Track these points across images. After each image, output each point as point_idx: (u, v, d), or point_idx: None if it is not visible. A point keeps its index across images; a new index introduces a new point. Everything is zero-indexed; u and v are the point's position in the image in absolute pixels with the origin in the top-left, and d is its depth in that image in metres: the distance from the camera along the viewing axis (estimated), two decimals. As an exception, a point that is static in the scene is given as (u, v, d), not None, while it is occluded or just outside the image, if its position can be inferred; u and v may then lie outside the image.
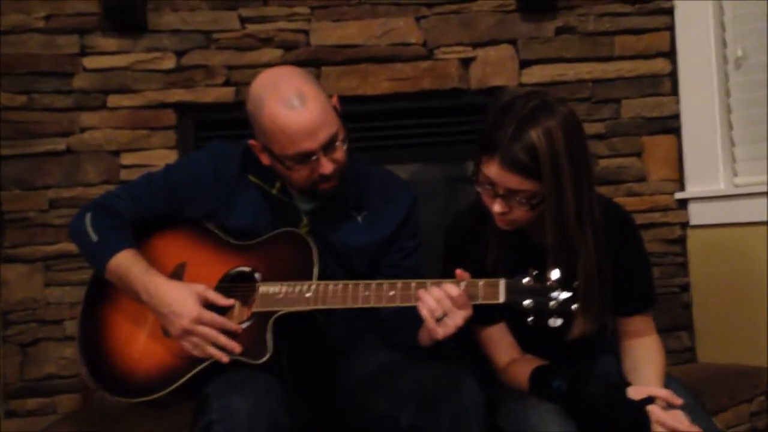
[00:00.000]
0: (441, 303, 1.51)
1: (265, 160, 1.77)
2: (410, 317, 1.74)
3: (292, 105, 1.65)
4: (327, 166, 1.70)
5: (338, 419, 1.86)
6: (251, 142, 1.77)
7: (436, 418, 1.59)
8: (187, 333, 1.66)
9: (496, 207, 1.61)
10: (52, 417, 2.53)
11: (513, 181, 1.57)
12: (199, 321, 1.65)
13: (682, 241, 2.82)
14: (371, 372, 1.79)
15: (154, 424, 2.21)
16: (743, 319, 2.68)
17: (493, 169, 1.58)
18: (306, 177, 1.72)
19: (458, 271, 1.56)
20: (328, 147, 1.69)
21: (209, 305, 1.69)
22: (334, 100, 1.78)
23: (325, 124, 1.68)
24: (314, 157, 1.69)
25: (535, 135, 1.54)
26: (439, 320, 1.52)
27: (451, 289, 1.52)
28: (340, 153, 1.73)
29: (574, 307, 1.46)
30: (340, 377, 1.85)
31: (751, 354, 2.64)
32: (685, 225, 2.82)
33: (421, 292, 1.54)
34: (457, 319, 1.52)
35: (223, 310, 1.69)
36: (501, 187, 1.59)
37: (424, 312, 1.53)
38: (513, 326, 1.76)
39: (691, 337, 2.81)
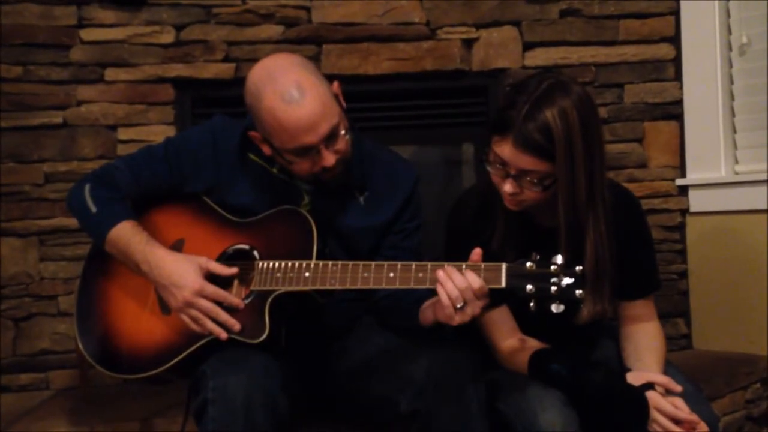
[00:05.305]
0: (464, 293, 1.47)
1: (267, 150, 1.74)
2: (405, 300, 1.74)
3: (290, 99, 1.61)
4: (329, 159, 1.66)
5: (336, 402, 1.85)
6: (251, 133, 1.74)
7: (437, 403, 1.58)
8: (188, 305, 1.64)
9: (507, 187, 1.60)
10: (44, 392, 2.53)
11: (526, 161, 1.55)
12: (201, 293, 1.64)
13: (681, 227, 2.81)
14: (370, 355, 1.78)
15: (149, 402, 2.21)
16: (740, 307, 2.68)
17: (505, 149, 1.56)
18: (308, 169, 1.70)
19: (477, 251, 1.52)
20: (329, 139, 1.66)
21: (211, 279, 1.67)
22: (335, 86, 1.73)
23: (326, 116, 1.64)
24: (315, 150, 1.65)
25: (549, 115, 1.52)
26: (456, 308, 1.49)
27: (475, 279, 1.48)
28: (342, 144, 1.69)
29: (578, 292, 1.44)
30: (338, 359, 1.85)
31: (746, 342, 2.65)
32: (685, 212, 2.81)
33: (443, 278, 1.49)
34: (476, 308, 1.49)
35: (222, 287, 1.68)
36: (513, 167, 1.57)
37: (445, 298, 1.49)
38: (515, 310, 1.76)
39: (688, 323, 2.82)
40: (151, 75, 2.60)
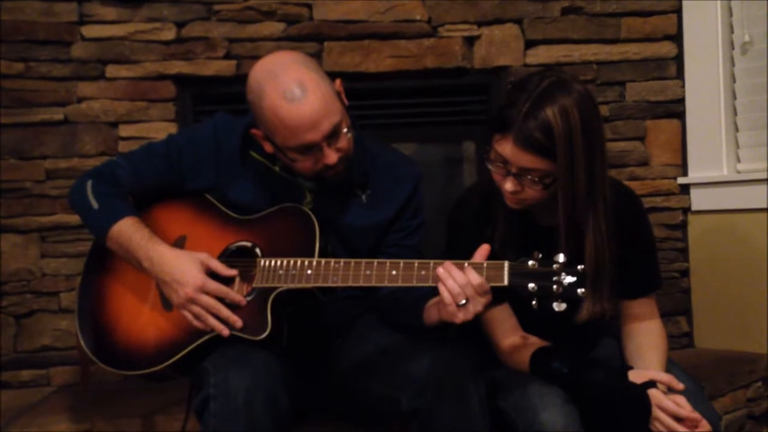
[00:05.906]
0: (465, 289, 1.48)
1: (269, 148, 1.74)
2: (409, 297, 1.74)
3: (292, 96, 1.60)
4: (331, 156, 1.66)
5: (337, 400, 1.85)
6: (253, 131, 1.73)
7: (438, 402, 1.58)
8: (190, 302, 1.64)
9: (508, 185, 1.59)
10: (45, 389, 2.53)
11: (526, 159, 1.55)
12: (203, 290, 1.64)
13: (683, 226, 2.81)
14: (372, 353, 1.78)
15: (151, 398, 2.21)
16: (741, 306, 2.68)
17: (506, 147, 1.56)
18: (310, 167, 1.69)
19: (484, 246, 1.52)
20: (331, 137, 1.65)
21: (212, 276, 1.67)
22: (337, 84, 1.73)
23: (328, 114, 1.63)
24: (317, 148, 1.65)
25: (550, 113, 1.51)
26: (458, 305, 1.49)
27: (474, 276, 1.48)
28: (344, 142, 1.69)
29: (580, 291, 1.44)
30: (340, 357, 1.85)
31: (748, 340, 2.65)
32: (686, 210, 2.81)
33: (443, 275, 1.50)
34: (478, 305, 1.49)
35: (224, 284, 1.68)
36: (514, 166, 1.57)
37: (446, 296, 1.49)
38: (517, 308, 1.75)
39: (689, 322, 2.82)
40: (152, 72, 2.60)
